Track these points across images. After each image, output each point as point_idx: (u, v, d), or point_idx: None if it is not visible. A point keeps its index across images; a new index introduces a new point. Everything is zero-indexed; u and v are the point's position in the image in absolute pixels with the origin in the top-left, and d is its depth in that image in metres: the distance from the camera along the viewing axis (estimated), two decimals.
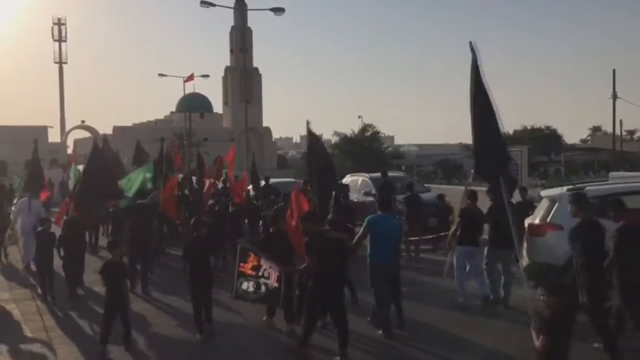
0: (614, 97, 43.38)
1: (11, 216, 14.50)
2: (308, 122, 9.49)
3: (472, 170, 8.55)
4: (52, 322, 9.57)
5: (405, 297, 8.54)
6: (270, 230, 8.78)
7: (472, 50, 7.21)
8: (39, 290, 11.10)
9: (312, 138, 9.76)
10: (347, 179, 19.73)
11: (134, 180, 14.44)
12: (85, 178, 11.64)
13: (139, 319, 9.29)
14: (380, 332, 7.98)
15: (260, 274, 7.66)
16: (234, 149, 18.25)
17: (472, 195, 9.70)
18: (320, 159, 9.79)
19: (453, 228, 9.66)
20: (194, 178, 19.38)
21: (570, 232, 6.85)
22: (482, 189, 10.16)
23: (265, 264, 7.61)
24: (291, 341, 7.81)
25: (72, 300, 10.86)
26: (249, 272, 7.73)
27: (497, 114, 7.19)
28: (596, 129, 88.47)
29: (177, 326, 9.05)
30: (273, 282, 7.55)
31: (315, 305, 7.29)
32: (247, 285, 7.73)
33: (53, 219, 12.66)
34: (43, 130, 71.21)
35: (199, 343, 8.09)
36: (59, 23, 79.32)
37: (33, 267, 12.41)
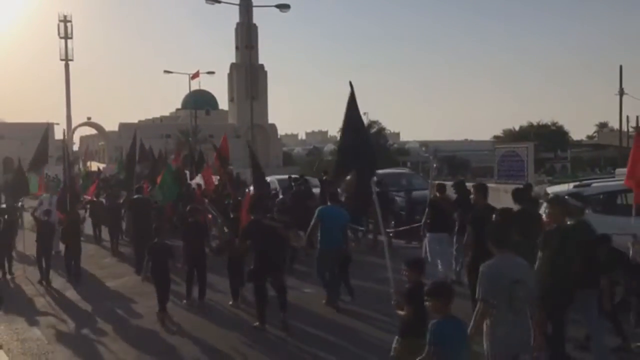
0: (621, 93, 43.23)
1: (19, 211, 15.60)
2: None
3: (435, 165, 9.26)
4: (58, 318, 9.64)
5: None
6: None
7: (351, 87, 7.48)
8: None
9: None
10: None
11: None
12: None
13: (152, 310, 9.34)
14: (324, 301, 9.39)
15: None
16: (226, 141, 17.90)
17: (440, 188, 10.93)
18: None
19: (424, 218, 10.64)
20: (187, 172, 19.92)
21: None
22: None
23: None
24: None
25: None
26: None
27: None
28: (602, 126, 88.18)
29: (186, 311, 9.27)
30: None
31: (257, 283, 8.46)
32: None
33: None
34: (49, 127, 71.61)
35: (207, 327, 8.52)
36: (65, 20, 79.41)
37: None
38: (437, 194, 10.84)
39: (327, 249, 9.14)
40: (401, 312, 5.27)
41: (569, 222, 6.47)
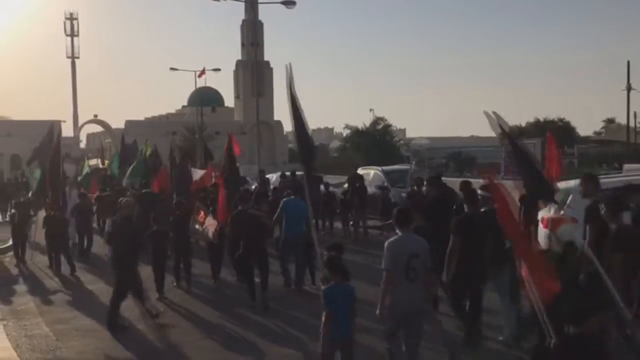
0: (628, 88, 43.02)
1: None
2: None
3: (414, 162, 9.96)
4: (66, 314, 9.69)
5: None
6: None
7: (288, 70, 7.39)
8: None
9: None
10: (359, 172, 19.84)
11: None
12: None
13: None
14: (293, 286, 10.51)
15: (204, 225, 10.79)
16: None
17: (418, 183, 12.14)
18: None
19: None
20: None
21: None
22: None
23: (208, 221, 10.70)
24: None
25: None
26: (200, 220, 10.93)
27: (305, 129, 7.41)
28: (610, 121, 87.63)
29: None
30: (211, 233, 10.59)
31: (243, 266, 9.80)
32: (199, 227, 10.89)
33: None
34: (56, 124, 71.81)
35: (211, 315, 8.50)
36: (71, 18, 79.62)
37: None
38: (415, 188, 11.65)
39: (289, 236, 10.47)
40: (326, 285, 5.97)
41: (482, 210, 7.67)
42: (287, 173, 19.93)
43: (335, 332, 5.63)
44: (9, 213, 17.32)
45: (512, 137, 7.54)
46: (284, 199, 11.01)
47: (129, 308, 9.91)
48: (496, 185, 5.35)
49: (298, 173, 20.89)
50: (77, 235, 14.96)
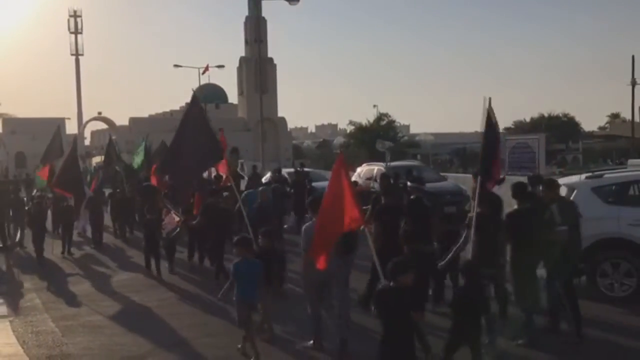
0: (633, 83, 42.81)
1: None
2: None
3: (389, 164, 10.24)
4: (72, 311, 9.74)
5: None
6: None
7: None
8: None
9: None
10: (362, 168, 19.85)
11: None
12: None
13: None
14: None
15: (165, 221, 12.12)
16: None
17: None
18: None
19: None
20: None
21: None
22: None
23: (167, 219, 12.05)
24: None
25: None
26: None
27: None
28: (615, 116, 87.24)
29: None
30: (173, 226, 11.83)
31: (217, 250, 11.14)
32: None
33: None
34: (61, 122, 71.85)
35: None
36: (75, 15, 79.57)
37: (84, 232, 17.29)
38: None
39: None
40: None
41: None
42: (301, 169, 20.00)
43: (244, 296, 6.99)
44: None
45: (494, 126, 8.09)
46: (246, 191, 12.46)
47: (142, 303, 10.00)
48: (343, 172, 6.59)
49: (306, 169, 21.27)
50: (90, 229, 16.66)
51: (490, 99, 7.97)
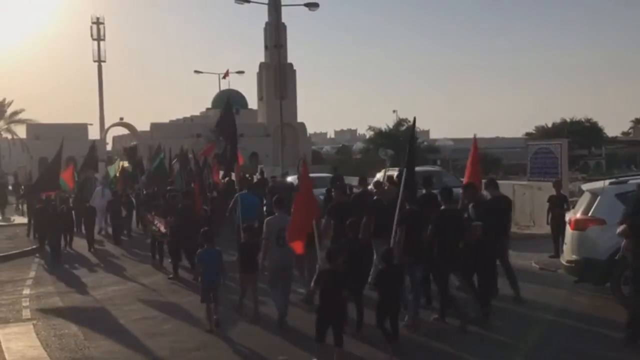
0: None
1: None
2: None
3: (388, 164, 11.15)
4: (95, 314, 9.84)
5: None
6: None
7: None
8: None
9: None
10: (382, 174, 19.79)
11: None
12: None
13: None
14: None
15: (155, 224, 13.58)
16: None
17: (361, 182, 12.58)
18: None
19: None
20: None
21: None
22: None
23: (157, 220, 13.55)
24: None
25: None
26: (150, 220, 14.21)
27: None
28: (638, 121, 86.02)
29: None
30: (162, 228, 13.11)
31: (175, 247, 12.51)
32: (154, 228, 13.61)
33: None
34: (83, 127, 72.61)
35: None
36: (98, 22, 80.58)
37: (102, 232, 19.27)
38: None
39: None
40: None
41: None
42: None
43: (207, 280, 8.54)
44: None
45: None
46: (238, 193, 12.92)
47: (166, 307, 10.07)
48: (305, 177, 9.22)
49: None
50: (111, 227, 18.52)
51: (415, 117, 9.41)
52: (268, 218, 8.99)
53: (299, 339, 7.92)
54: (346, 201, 10.59)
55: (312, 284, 7.09)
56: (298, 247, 8.23)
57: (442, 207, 8.53)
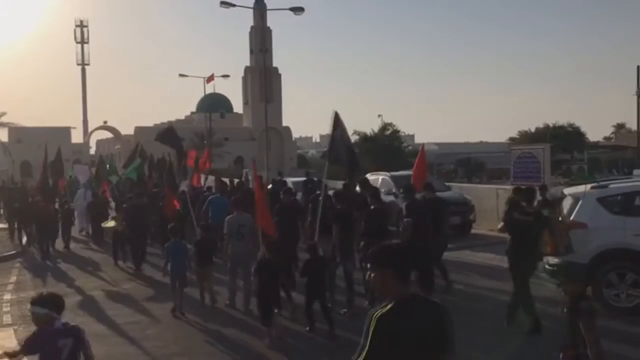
0: (638, 94, 42.71)
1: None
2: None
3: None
4: (76, 320, 9.73)
5: None
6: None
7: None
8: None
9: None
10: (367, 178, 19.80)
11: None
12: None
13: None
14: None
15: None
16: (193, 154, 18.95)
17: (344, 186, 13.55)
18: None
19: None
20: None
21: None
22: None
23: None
24: None
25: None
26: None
27: None
28: (620, 127, 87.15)
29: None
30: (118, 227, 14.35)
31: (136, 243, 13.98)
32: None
33: None
34: (66, 131, 72.11)
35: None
36: (82, 25, 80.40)
37: (83, 232, 20.03)
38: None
39: (214, 222, 12.47)
40: None
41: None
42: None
43: (175, 270, 9.56)
44: None
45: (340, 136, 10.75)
46: (210, 197, 14.53)
47: (162, 310, 10.01)
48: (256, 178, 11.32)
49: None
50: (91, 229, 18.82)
51: (336, 112, 10.75)
52: (228, 217, 10.24)
53: (283, 347, 7.92)
54: (292, 202, 11.75)
55: (252, 271, 8.40)
56: (271, 230, 9.45)
57: (372, 207, 9.83)
